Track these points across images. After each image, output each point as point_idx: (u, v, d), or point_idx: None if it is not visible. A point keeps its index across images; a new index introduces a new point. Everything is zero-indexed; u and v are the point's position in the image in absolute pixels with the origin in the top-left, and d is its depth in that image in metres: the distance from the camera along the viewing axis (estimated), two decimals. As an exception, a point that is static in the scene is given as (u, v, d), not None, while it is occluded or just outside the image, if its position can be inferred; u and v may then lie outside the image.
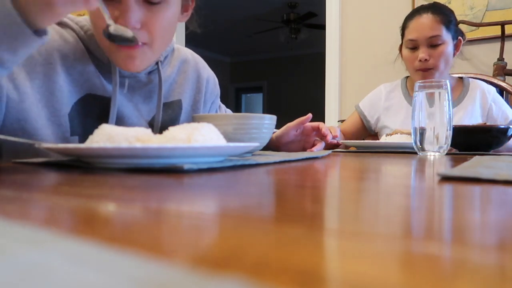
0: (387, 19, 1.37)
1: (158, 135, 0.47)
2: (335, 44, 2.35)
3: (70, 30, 0.72)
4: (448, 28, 1.23)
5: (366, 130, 1.46)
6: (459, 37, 1.28)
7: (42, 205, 0.23)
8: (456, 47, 1.28)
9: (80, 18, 0.74)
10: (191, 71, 0.88)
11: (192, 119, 0.70)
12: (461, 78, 1.36)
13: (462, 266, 0.12)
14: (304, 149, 0.92)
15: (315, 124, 0.90)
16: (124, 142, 0.45)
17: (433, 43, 1.23)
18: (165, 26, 0.66)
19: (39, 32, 0.52)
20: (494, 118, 1.27)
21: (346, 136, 1.46)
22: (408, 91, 1.38)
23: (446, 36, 1.23)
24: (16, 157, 0.63)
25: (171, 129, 0.47)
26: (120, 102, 0.74)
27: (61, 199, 0.25)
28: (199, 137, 0.45)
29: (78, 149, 0.43)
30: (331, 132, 0.91)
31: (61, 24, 0.72)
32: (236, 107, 8.30)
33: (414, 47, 1.26)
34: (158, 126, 0.78)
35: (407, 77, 1.42)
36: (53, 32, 0.69)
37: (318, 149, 0.88)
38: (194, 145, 0.43)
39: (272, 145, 0.92)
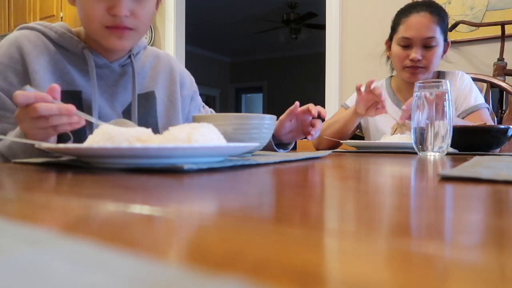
0: (387, 19, 1.37)
1: (158, 135, 0.47)
2: (335, 44, 2.35)
3: (39, 33, 0.80)
4: (443, 29, 1.22)
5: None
6: (448, 40, 1.26)
7: (42, 205, 0.23)
8: (444, 50, 1.26)
9: (51, 24, 0.85)
10: (163, 65, 0.95)
11: (192, 119, 0.71)
12: (438, 72, 1.33)
13: (462, 267, 0.12)
14: (304, 133, 0.94)
15: (305, 107, 0.91)
16: (124, 142, 0.45)
17: (427, 44, 1.20)
18: (147, 14, 0.78)
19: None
20: (459, 102, 1.25)
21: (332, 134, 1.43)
22: (393, 91, 1.36)
23: (440, 38, 1.21)
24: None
25: (171, 129, 0.47)
26: (93, 93, 0.80)
27: (61, 199, 0.25)
28: (199, 137, 0.45)
29: (78, 149, 0.43)
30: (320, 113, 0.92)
31: (30, 28, 0.81)
32: (236, 107, 8.29)
33: (407, 45, 1.22)
34: (136, 115, 0.85)
35: (391, 76, 1.40)
36: (24, 39, 0.79)
37: (318, 128, 0.91)
38: (194, 145, 0.43)
39: (277, 142, 0.93)
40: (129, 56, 0.86)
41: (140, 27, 0.78)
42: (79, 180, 0.35)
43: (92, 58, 0.80)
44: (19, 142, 0.63)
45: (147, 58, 0.93)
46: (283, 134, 0.94)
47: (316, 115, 0.90)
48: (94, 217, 0.19)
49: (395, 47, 1.26)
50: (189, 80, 1.02)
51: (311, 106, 0.90)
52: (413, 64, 1.21)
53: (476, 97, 1.26)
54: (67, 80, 0.79)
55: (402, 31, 1.23)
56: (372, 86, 1.09)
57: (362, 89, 1.13)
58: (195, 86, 1.04)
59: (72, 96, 0.78)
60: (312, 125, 0.92)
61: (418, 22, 1.20)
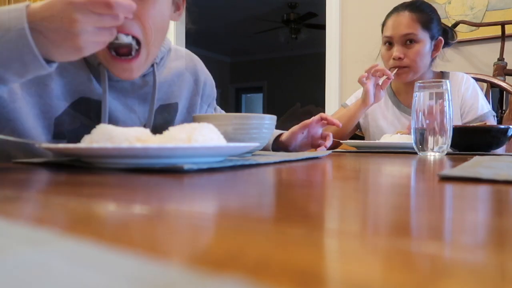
0: (387, 19, 1.38)
1: (158, 135, 0.47)
2: (335, 44, 2.35)
3: None
4: (426, 27, 1.20)
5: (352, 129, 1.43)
6: (440, 37, 1.25)
7: (42, 205, 0.23)
8: (436, 47, 1.24)
9: None
10: (189, 73, 0.86)
11: (193, 119, 0.71)
12: (442, 72, 1.32)
13: (462, 267, 0.12)
14: (314, 146, 0.94)
15: (316, 117, 0.91)
16: (124, 142, 0.45)
17: (408, 42, 1.20)
18: (156, 18, 0.64)
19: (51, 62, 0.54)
20: (465, 109, 1.24)
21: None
22: (393, 91, 1.36)
23: (423, 35, 1.20)
24: (15, 157, 0.63)
25: (171, 129, 0.47)
26: (114, 106, 0.72)
27: (61, 199, 0.25)
28: (199, 137, 0.45)
29: (78, 149, 0.43)
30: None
31: None
32: (236, 107, 8.29)
33: (390, 45, 1.24)
34: (150, 129, 0.74)
35: None
36: None
37: (329, 142, 0.91)
38: (194, 145, 0.43)
39: (281, 149, 0.93)
40: (152, 65, 0.75)
41: (149, 37, 0.64)
42: (79, 180, 0.35)
43: (107, 74, 0.70)
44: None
45: (172, 64, 0.83)
46: (293, 146, 0.93)
47: (332, 121, 0.90)
48: (94, 217, 0.19)
49: (382, 49, 1.29)
50: (210, 86, 0.94)
51: (323, 115, 0.91)
52: (396, 63, 1.22)
53: (483, 105, 1.25)
54: (87, 87, 0.70)
55: (384, 31, 1.27)
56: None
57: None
58: (214, 92, 0.96)
59: (91, 104, 0.70)
60: (323, 138, 0.92)
61: (396, 21, 1.22)
